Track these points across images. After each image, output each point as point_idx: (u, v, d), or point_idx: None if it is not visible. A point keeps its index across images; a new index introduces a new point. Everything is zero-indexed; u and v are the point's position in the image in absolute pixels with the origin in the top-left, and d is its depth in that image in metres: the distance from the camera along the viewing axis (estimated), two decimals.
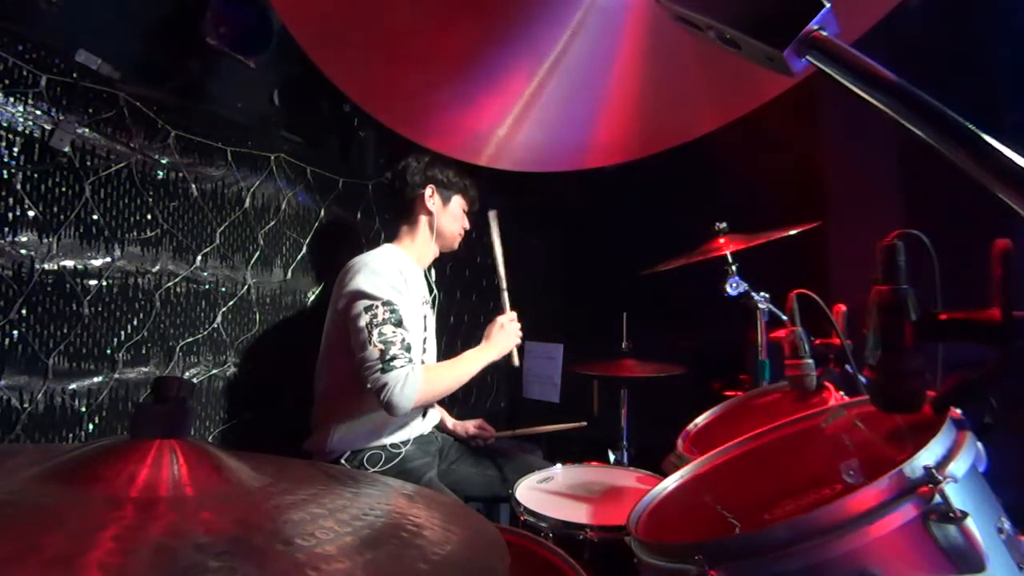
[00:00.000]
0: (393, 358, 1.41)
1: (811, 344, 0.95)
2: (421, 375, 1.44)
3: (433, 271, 1.86)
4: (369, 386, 1.41)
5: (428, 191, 1.72)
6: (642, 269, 1.93)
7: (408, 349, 1.45)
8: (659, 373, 2.05)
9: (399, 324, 1.47)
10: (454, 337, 2.60)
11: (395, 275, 1.55)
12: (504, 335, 1.69)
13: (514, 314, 1.75)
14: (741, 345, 2.27)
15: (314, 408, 1.67)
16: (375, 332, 1.43)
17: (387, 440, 1.61)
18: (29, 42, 1.23)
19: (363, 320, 1.45)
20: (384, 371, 1.40)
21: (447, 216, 1.76)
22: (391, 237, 1.78)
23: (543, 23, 0.56)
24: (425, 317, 1.73)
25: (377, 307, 1.46)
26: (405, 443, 1.64)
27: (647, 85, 0.66)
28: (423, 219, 1.74)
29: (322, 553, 0.38)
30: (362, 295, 1.48)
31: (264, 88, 1.79)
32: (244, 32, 1.53)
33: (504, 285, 1.80)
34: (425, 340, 1.73)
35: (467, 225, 1.83)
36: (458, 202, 1.79)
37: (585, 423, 1.94)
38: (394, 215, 1.81)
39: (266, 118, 1.80)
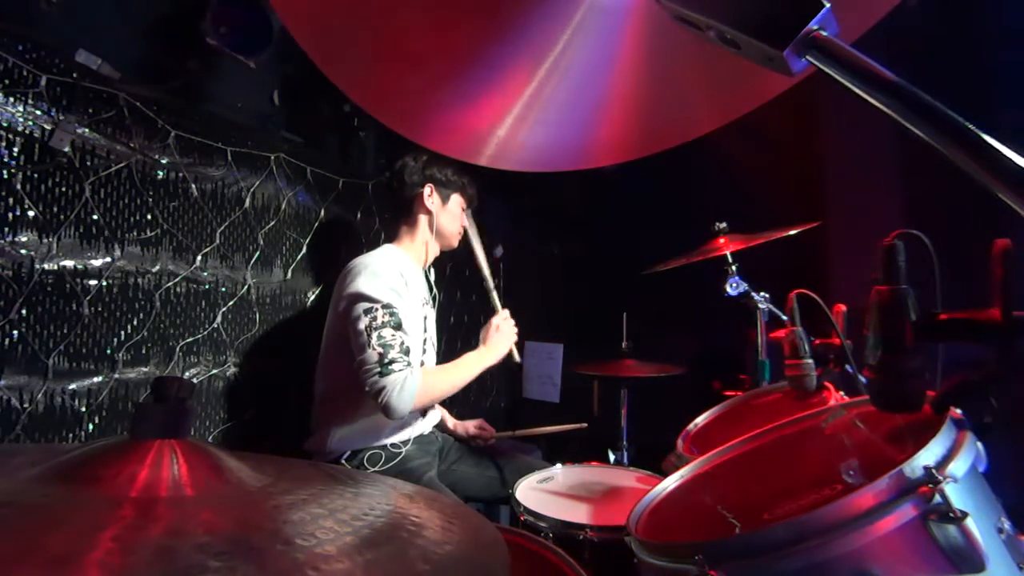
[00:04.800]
0: (391, 362, 1.41)
1: (811, 344, 0.94)
2: (419, 379, 1.44)
3: (432, 271, 1.85)
4: (367, 389, 1.41)
5: (427, 190, 1.72)
6: (642, 269, 1.93)
7: (407, 353, 1.45)
8: (659, 373, 2.05)
9: (398, 327, 1.46)
10: (454, 337, 2.60)
11: (395, 277, 1.55)
12: (500, 336, 1.68)
13: (506, 312, 1.74)
14: (741, 345, 2.27)
15: (314, 409, 1.66)
16: (374, 335, 1.43)
17: (387, 440, 1.61)
18: (29, 42, 1.23)
19: (362, 323, 1.45)
20: (382, 375, 1.40)
21: (446, 215, 1.76)
22: (391, 237, 1.78)
23: (543, 23, 0.56)
24: (425, 318, 1.73)
25: (377, 310, 1.46)
26: (405, 443, 1.64)
27: (647, 85, 0.66)
28: (422, 218, 1.74)
29: (322, 553, 0.38)
30: (362, 297, 1.48)
31: (264, 88, 1.79)
32: (245, 32, 1.53)
33: (491, 284, 1.78)
34: (425, 341, 1.73)
35: (466, 223, 1.82)
36: (457, 200, 1.78)
37: (585, 424, 1.93)
38: (393, 215, 1.81)
39: (266, 118, 1.80)
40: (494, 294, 1.78)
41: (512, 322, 1.73)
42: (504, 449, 1.89)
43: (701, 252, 1.78)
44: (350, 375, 1.51)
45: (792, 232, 1.65)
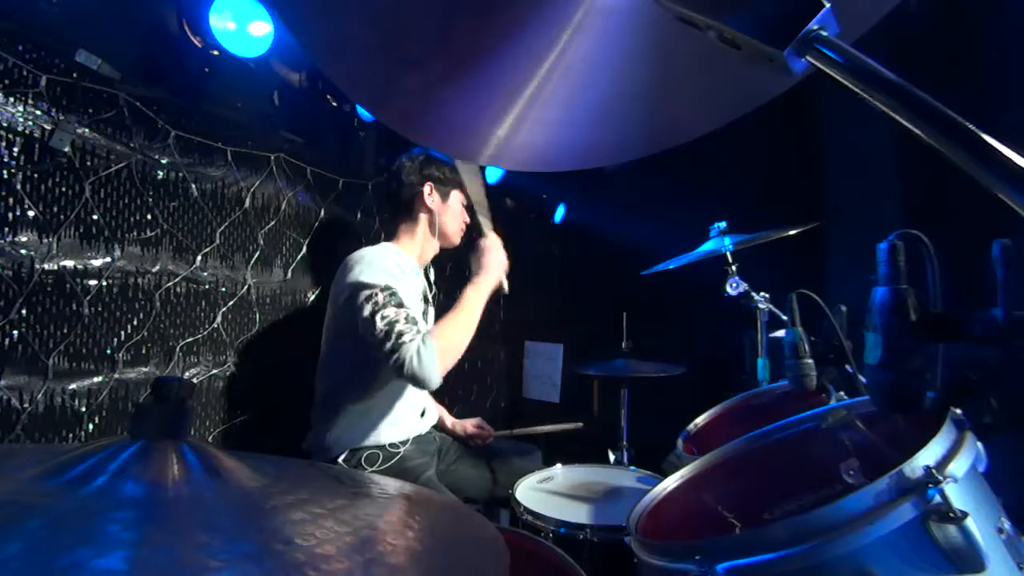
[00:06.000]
0: (400, 335, 1.40)
1: (811, 344, 0.95)
2: (434, 341, 1.42)
3: (432, 271, 1.84)
4: (390, 366, 1.40)
5: (427, 189, 1.71)
6: (642, 269, 1.93)
7: (414, 322, 1.44)
8: (659, 373, 2.05)
9: (400, 305, 1.46)
10: None
11: (392, 265, 1.55)
12: (492, 258, 1.61)
13: (494, 236, 1.65)
14: (741, 345, 2.27)
15: (313, 408, 1.66)
16: (378, 316, 1.42)
17: (385, 440, 1.61)
18: (29, 42, 1.23)
19: (366, 310, 1.44)
20: (394, 349, 1.39)
21: (448, 213, 1.75)
22: (389, 236, 1.77)
23: (543, 23, 0.56)
24: (425, 313, 1.72)
25: (376, 294, 1.45)
26: (404, 443, 1.64)
27: (647, 85, 0.66)
28: (423, 217, 1.73)
29: (322, 553, 0.38)
30: (360, 286, 1.47)
31: (264, 88, 1.78)
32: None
33: (484, 208, 1.67)
34: None
35: (468, 220, 1.81)
36: (457, 197, 1.77)
37: (581, 423, 1.93)
38: (392, 215, 1.79)
39: (266, 118, 1.80)
40: (485, 218, 1.68)
41: (500, 244, 1.65)
42: (503, 450, 1.89)
43: (701, 252, 1.78)
44: (350, 373, 1.51)
45: (792, 232, 1.65)
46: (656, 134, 0.73)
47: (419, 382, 1.40)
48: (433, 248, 1.78)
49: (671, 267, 1.81)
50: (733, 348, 2.33)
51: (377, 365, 1.54)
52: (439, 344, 1.43)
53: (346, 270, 1.55)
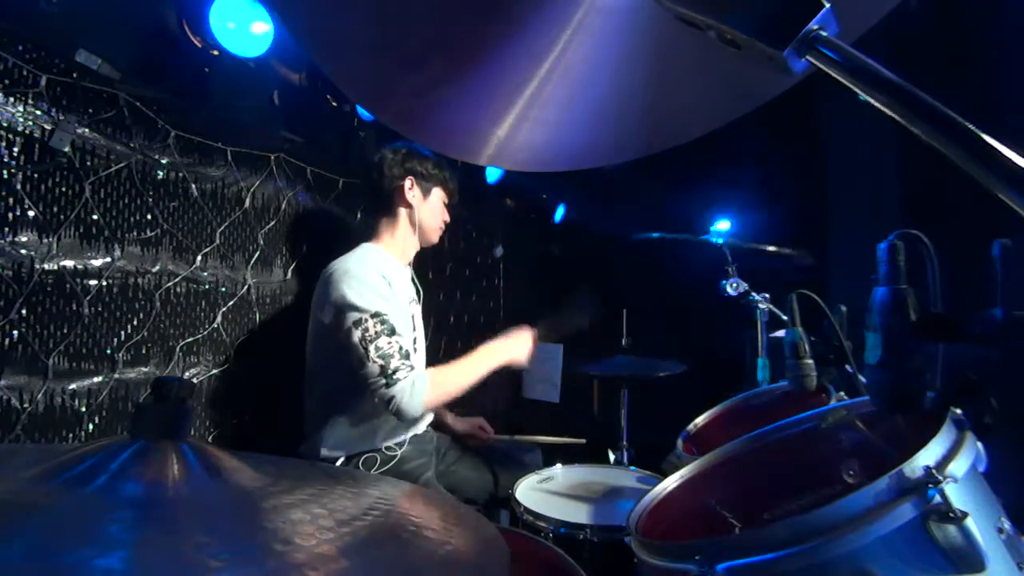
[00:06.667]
0: (395, 371, 1.39)
1: (811, 344, 0.95)
2: (427, 380, 1.43)
3: (411, 270, 1.82)
4: (376, 400, 1.41)
5: (407, 183, 1.68)
6: (642, 272, 1.92)
7: (407, 356, 1.43)
8: (659, 372, 2.04)
9: (392, 333, 1.44)
10: (454, 338, 2.59)
11: (379, 280, 1.51)
12: (518, 340, 1.69)
13: (534, 337, 1.76)
14: (741, 345, 2.27)
15: (306, 414, 1.65)
16: (371, 348, 1.40)
17: (382, 443, 1.60)
18: (29, 42, 1.23)
19: (355, 336, 1.42)
20: (388, 385, 1.38)
21: (427, 209, 1.72)
22: (369, 235, 1.73)
23: (543, 23, 0.56)
24: (413, 316, 1.70)
25: (367, 320, 1.43)
26: (401, 444, 1.63)
27: (647, 85, 0.66)
28: (403, 212, 1.70)
29: (322, 553, 0.38)
30: (349, 307, 1.44)
31: (264, 88, 1.78)
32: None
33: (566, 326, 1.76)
34: (415, 340, 1.70)
35: (447, 218, 1.79)
36: (438, 194, 1.75)
37: (584, 440, 1.93)
38: (372, 210, 1.77)
39: (266, 118, 1.80)
40: (553, 328, 1.82)
41: (532, 339, 1.75)
42: (503, 451, 1.88)
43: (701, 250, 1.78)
44: (339, 384, 1.50)
45: (788, 251, 1.65)
46: (655, 134, 0.73)
47: (400, 415, 1.41)
48: (414, 245, 1.75)
49: (665, 237, 1.80)
50: (733, 348, 2.33)
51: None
52: (435, 380, 1.46)
53: (330, 283, 1.51)
